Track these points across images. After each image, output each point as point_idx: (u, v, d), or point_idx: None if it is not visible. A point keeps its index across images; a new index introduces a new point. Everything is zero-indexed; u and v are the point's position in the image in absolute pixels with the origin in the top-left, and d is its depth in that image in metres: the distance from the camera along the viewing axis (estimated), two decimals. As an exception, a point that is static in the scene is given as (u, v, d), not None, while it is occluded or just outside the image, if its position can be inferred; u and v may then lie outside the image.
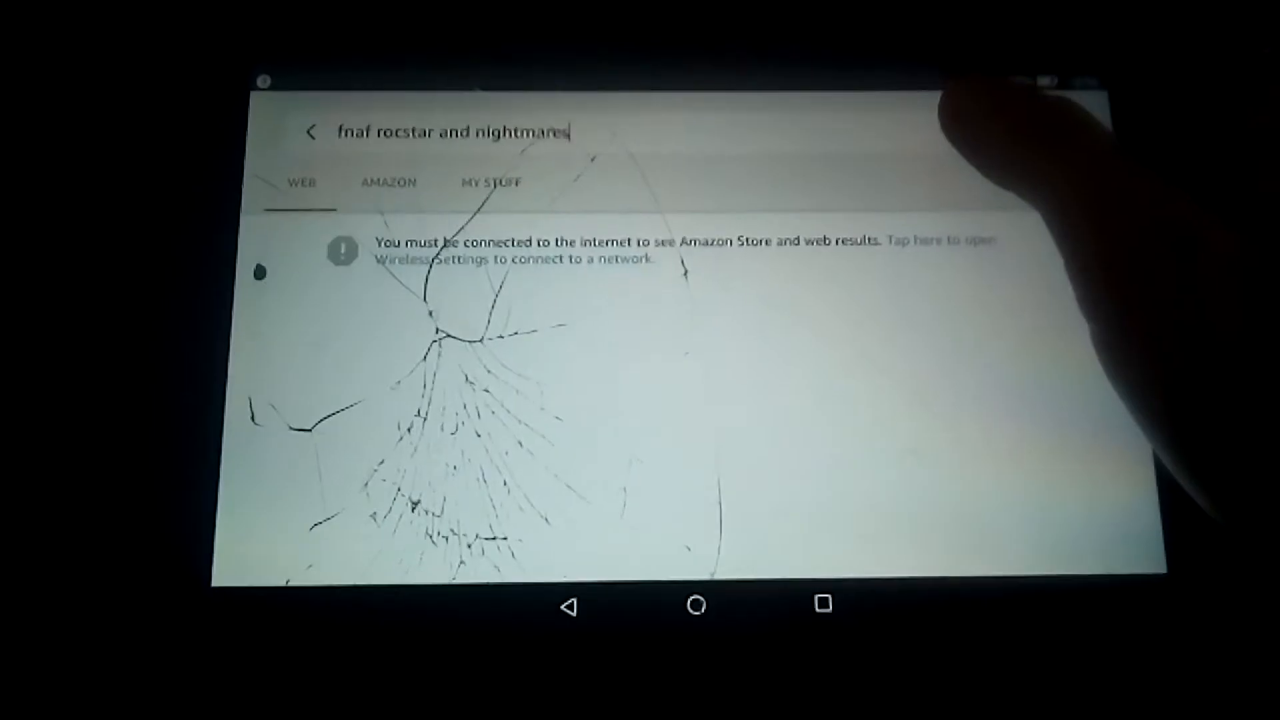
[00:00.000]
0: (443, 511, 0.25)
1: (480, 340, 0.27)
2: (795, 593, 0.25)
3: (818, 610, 0.25)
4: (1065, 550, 0.26)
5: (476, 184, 0.28)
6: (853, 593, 0.25)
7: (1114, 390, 0.19)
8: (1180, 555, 0.25)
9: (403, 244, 0.27)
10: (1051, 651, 0.25)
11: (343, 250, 0.27)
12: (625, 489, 0.26)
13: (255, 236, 0.27)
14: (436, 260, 0.27)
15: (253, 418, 0.26)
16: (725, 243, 0.27)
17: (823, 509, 0.26)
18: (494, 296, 0.27)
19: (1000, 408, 0.26)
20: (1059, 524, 0.26)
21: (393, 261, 0.27)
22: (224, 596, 0.25)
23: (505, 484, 0.26)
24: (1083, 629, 0.25)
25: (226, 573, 0.25)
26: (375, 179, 0.28)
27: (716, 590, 0.25)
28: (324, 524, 0.25)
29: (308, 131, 0.28)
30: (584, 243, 0.27)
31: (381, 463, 0.26)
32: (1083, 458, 0.26)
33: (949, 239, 0.28)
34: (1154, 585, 0.25)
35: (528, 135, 0.28)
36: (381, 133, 0.28)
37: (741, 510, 0.26)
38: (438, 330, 0.27)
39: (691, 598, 0.25)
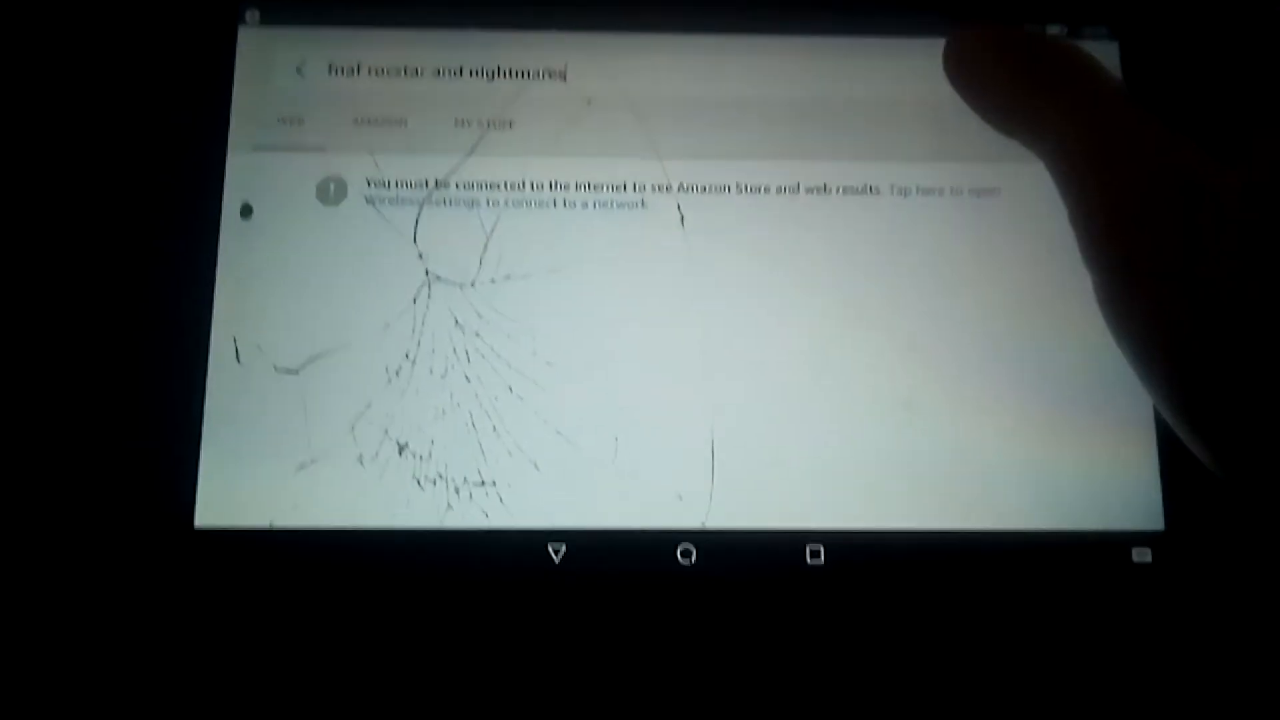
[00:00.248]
0: (431, 455, 0.25)
1: (471, 284, 0.26)
2: (787, 544, 0.25)
3: (809, 562, 0.25)
4: (1062, 506, 0.25)
5: (469, 125, 0.27)
6: (845, 545, 0.25)
7: (1116, 343, 0.19)
8: (1179, 513, 0.25)
9: (393, 185, 0.27)
10: (1045, 608, 0.25)
11: (331, 190, 0.27)
12: (616, 436, 0.25)
13: (242, 175, 0.26)
14: (427, 202, 0.27)
15: (238, 358, 0.25)
16: (723, 190, 0.27)
17: (816, 460, 0.25)
18: (486, 240, 0.26)
19: (999, 362, 0.26)
20: (1056, 479, 0.25)
21: (382, 203, 0.26)
22: (208, 538, 0.25)
23: (495, 429, 0.25)
24: (1078, 586, 0.25)
25: (210, 514, 0.25)
26: (365, 118, 0.27)
27: (707, 540, 0.25)
28: (310, 466, 0.25)
29: (297, 69, 0.27)
30: (579, 187, 0.27)
31: (369, 405, 0.25)
32: (1082, 413, 0.26)
33: (952, 190, 0.27)
34: (1151, 542, 0.25)
35: (523, 76, 0.27)
36: (372, 71, 0.27)
37: (734, 459, 0.25)
38: (428, 273, 0.26)
39: (681, 547, 0.25)
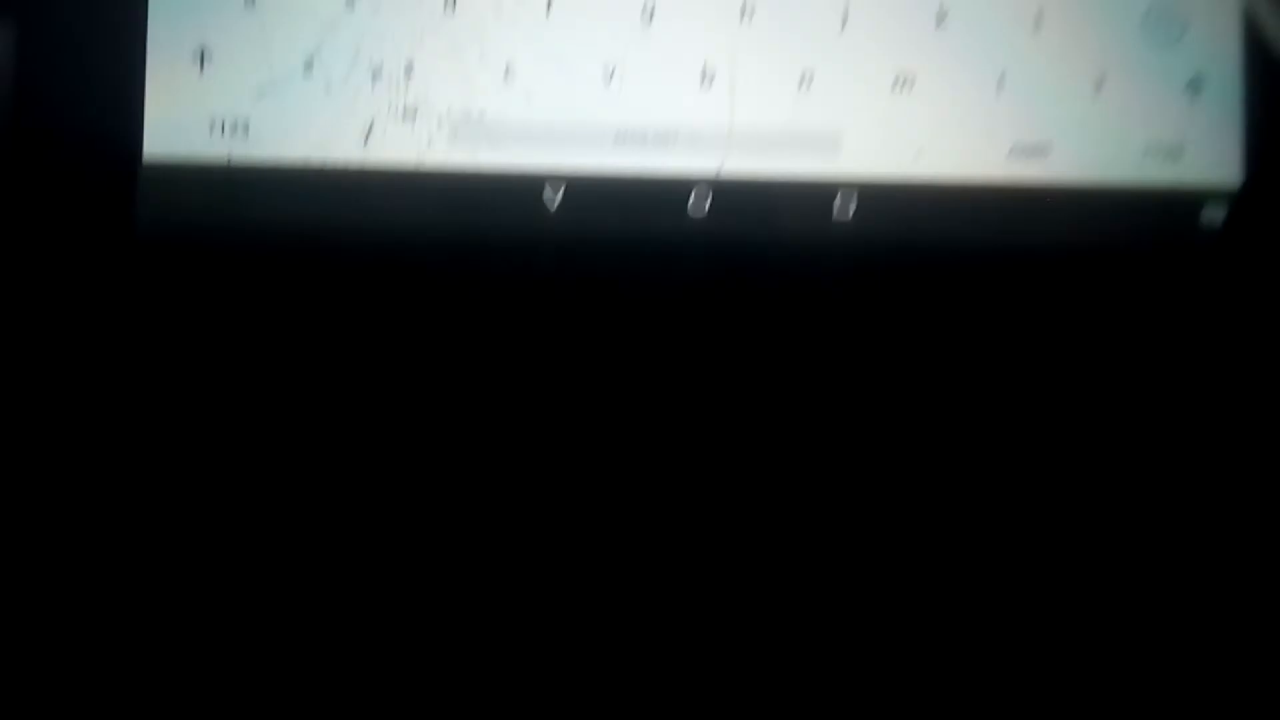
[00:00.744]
0: (409, 83, 0.22)
1: (455, -109, 0.22)
2: (813, 194, 0.22)
3: (836, 218, 0.22)
4: (1123, 155, 0.22)
5: None
6: (877, 196, 0.22)
7: None
8: (1261, 166, 0.22)
9: None
10: (1095, 274, 0.22)
11: None
12: (623, 63, 0.22)
13: None
14: None
15: (184, -34, 0.22)
16: None
17: (849, 95, 0.22)
18: None
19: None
20: (1118, 123, 0.22)
21: None
22: (158, 171, 0.22)
23: (481, 54, 0.22)
24: (1136, 249, 0.22)
25: (160, 144, 0.22)
26: None
27: (723, 187, 0.22)
28: (270, 93, 0.22)
29: None
30: None
31: (336, 22, 0.22)
32: (1151, 39, 0.22)
33: None
34: (1226, 201, 0.22)
35: None
36: None
37: (756, 94, 0.22)
38: (404, -127, 0.22)
39: (694, 195, 0.22)
